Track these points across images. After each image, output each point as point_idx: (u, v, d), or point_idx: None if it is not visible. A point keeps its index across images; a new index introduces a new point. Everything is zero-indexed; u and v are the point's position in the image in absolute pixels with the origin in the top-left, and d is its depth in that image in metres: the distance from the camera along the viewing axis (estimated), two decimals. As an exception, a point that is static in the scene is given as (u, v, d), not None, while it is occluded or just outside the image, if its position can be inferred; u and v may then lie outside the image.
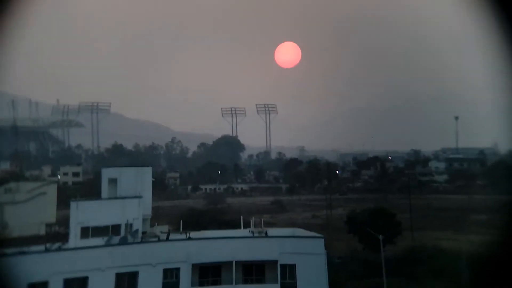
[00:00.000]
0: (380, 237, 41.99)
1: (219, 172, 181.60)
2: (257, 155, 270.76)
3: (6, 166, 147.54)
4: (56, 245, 35.09)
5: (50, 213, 53.24)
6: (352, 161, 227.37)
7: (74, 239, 34.97)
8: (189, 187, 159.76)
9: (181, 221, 43.05)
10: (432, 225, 75.85)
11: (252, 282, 34.99)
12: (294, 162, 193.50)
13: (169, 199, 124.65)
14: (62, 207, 55.20)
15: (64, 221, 44.98)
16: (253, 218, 44.59)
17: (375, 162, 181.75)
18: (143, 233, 37.34)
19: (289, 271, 34.80)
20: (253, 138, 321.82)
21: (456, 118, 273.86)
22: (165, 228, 41.72)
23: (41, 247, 33.89)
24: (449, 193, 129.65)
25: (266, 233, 39.24)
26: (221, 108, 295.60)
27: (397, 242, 54.67)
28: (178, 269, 33.63)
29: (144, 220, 38.09)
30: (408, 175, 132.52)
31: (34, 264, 30.36)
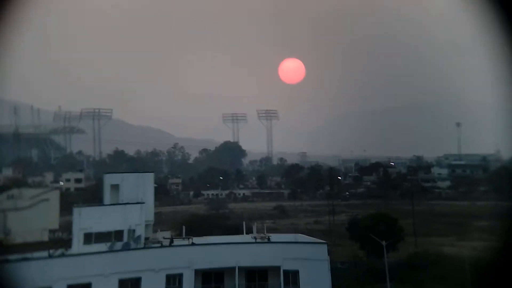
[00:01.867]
0: (383, 243, 41.90)
1: (221, 177, 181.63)
2: (259, 161, 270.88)
3: (8, 172, 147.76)
4: (59, 251, 35.07)
5: (52, 219, 53.13)
6: (354, 167, 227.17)
7: (77, 245, 34.97)
8: (191, 193, 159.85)
9: (184, 227, 43.07)
10: (435, 231, 75.64)
11: (255, 288, 34.94)
12: (295, 168, 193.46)
13: (171, 205, 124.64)
14: (65, 213, 55.16)
15: (67, 227, 44.97)
16: (255, 223, 44.58)
17: (377, 168, 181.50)
18: (146, 238, 37.34)
19: (292, 277, 34.73)
20: (254, 144, 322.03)
21: (459, 124, 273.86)
22: (168, 233, 41.70)
23: (44, 253, 33.90)
24: (451, 199, 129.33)
25: (269, 238, 39.20)
26: (223, 114, 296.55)
27: (399, 248, 54.54)
28: (181, 275, 33.61)
29: (146, 225, 38.08)
30: (410, 181, 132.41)
31: (37, 270, 30.39)
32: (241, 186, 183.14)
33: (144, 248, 35.68)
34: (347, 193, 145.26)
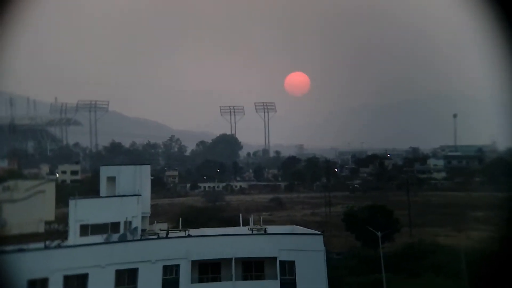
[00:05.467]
0: (379, 233, 42.07)
1: (218, 170, 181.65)
2: (256, 153, 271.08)
3: (4, 164, 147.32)
4: (56, 242, 35.02)
5: (48, 211, 53.17)
6: (351, 159, 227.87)
7: (74, 236, 34.93)
8: (188, 185, 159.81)
9: (180, 219, 43.07)
10: (431, 222, 76.00)
11: (251, 278, 35.04)
12: (292, 160, 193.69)
13: (168, 197, 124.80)
14: (61, 205, 55.20)
15: (63, 219, 44.97)
16: (252, 215, 44.61)
17: (373, 160, 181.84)
18: (143, 230, 37.31)
19: (288, 267, 34.85)
20: (252, 137, 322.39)
21: (455, 115, 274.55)
22: (164, 225, 41.67)
23: (40, 245, 33.83)
24: (447, 190, 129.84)
25: (265, 230, 39.25)
26: (220, 107, 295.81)
27: (395, 238, 54.85)
28: (177, 266, 33.63)
29: (143, 217, 38.03)
30: (406, 173, 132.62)
31: (34, 261, 30.36)
32: (238, 178, 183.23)
33: (140, 239, 35.68)
34: (343, 185, 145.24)
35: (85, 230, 35.17)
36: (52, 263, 30.51)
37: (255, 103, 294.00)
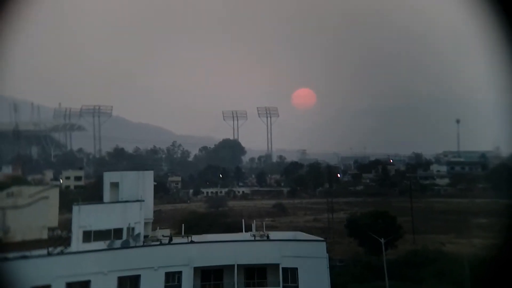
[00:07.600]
0: (382, 240, 41.98)
1: (221, 175, 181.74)
2: (259, 159, 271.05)
3: (8, 170, 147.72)
4: (58, 249, 35.09)
5: (52, 217, 53.02)
6: (353, 164, 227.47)
7: (76, 243, 34.99)
8: (191, 191, 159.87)
9: (183, 225, 43.13)
10: (434, 228, 75.76)
11: (254, 285, 35.01)
12: (295, 166, 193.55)
13: (170, 203, 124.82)
14: (65, 211, 55.22)
15: (66, 225, 44.99)
16: (254, 221, 44.63)
17: (376, 165, 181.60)
18: (145, 236, 37.38)
19: (291, 274, 34.85)
20: (254, 142, 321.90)
21: (458, 121, 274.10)
22: (167, 231, 41.72)
23: (43, 251, 33.92)
24: (450, 197, 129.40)
25: (267, 236, 39.25)
26: (222, 112, 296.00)
27: (398, 245, 54.69)
28: (180, 273, 33.69)
29: (146, 223, 38.12)
30: (409, 178, 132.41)
31: (37, 268, 30.45)
32: (240, 184, 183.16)
33: (143, 246, 35.73)
34: (346, 190, 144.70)
35: (87, 236, 35.25)
36: (54, 270, 30.63)
37: (257, 107, 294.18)
